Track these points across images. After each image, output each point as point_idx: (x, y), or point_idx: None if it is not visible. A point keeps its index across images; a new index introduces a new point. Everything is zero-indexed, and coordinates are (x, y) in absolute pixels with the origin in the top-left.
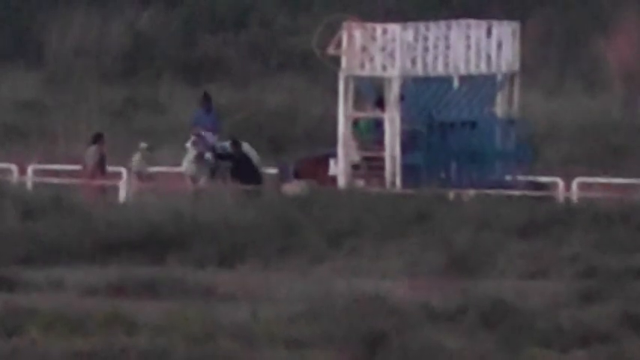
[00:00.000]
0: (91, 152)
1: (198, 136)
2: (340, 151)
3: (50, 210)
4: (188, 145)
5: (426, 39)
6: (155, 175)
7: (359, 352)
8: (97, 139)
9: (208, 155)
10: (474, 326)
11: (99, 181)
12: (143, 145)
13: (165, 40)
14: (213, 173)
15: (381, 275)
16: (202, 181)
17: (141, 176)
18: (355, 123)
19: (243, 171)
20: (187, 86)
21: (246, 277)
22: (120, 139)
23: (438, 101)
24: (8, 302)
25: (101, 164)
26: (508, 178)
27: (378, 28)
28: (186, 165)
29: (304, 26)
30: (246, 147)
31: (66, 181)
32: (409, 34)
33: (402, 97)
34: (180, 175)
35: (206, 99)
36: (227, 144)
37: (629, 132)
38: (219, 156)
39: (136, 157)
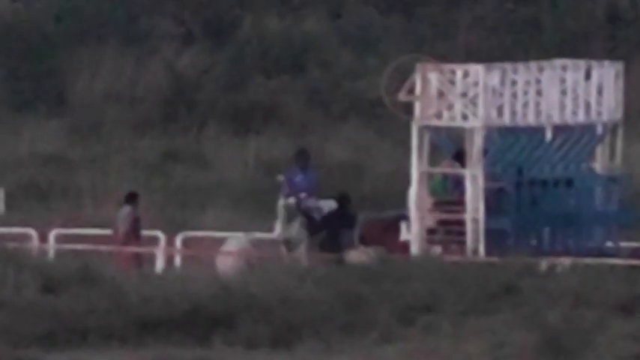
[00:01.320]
0: (124, 215)
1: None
2: (413, 213)
3: (75, 282)
4: (281, 203)
5: (514, 83)
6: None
7: None
8: (131, 199)
9: (291, 200)
10: None
11: (133, 249)
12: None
13: (209, 84)
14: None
15: (461, 359)
16: (302, 248)
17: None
18: (432, 178)
19: (346, 233)
20: (235, 137)
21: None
22: (157, 198)
23: (527, 156)
24: None
25: (135, 229)
26: (610, 244)
27: (458, 70)
28: (281, 229)
29: (371, 68)
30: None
31: (94, 248)
32: (494, 78)
33: (485, 151)
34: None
35: (303, 155)
36: (325, 203)
37: None
38: (309, 218)
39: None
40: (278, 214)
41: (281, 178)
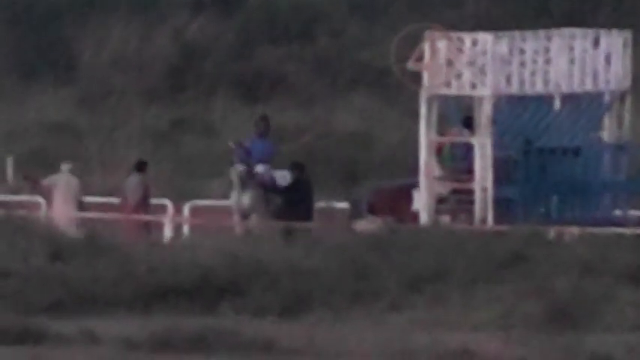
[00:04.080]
0: (134, 183)
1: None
2: (423, 182)
3: (83, 250)
4: (232, 170)
5: (522, 52)
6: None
7: None
8: (141, 167)
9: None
10: None
11: (142, 217)
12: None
13: (218, 53)
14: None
15: (469, 327)
16: (254, 218)
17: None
18: (439, 150)
19: (303, 204)
20: (243, 105)
21: (312, 328)
22: (165, 166)
23: (536, 124)
24: (35, 357)
25: (145, 197)
26: (618, 213)
27: (467, 38)
28: (235, 197)
29: (379, 37)
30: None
31: (102, 216)
32: (503, 46)
33: (494, 120)
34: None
35: (262, 122)
36: (279, 174)
37: None
38: (265, 188)
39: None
40: (232, 181)
41: (231, 144)
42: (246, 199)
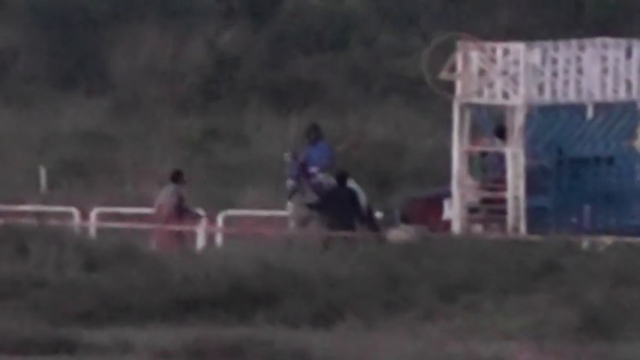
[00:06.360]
0: (169, 193)
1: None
2: (455, 191)
3: (117, 260)
4: (288, 183)
5: (555, 61)
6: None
7: None
8: (176, 177)
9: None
10: None
11: (176, 227)
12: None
13: (251, 62)
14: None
15: (502, 336)
16: (312, 227)
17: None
18: (472, 159)
19: (346, 212)
20: (276, 115)
21: (345, 338)
22: (198, 176)
23: (568, 134)
24: None
25: (179, 207)
26: None
27: (499, 48)
28: (294, 208)
29: (412, 46)
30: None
31: (135, 226)
32: (535, 56)
33: (526, 129)
34: (268, 220)
35: (311, 131)
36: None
37: None
38: (320, 194)
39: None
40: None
41: (287, 157)
42: (304, 208)
